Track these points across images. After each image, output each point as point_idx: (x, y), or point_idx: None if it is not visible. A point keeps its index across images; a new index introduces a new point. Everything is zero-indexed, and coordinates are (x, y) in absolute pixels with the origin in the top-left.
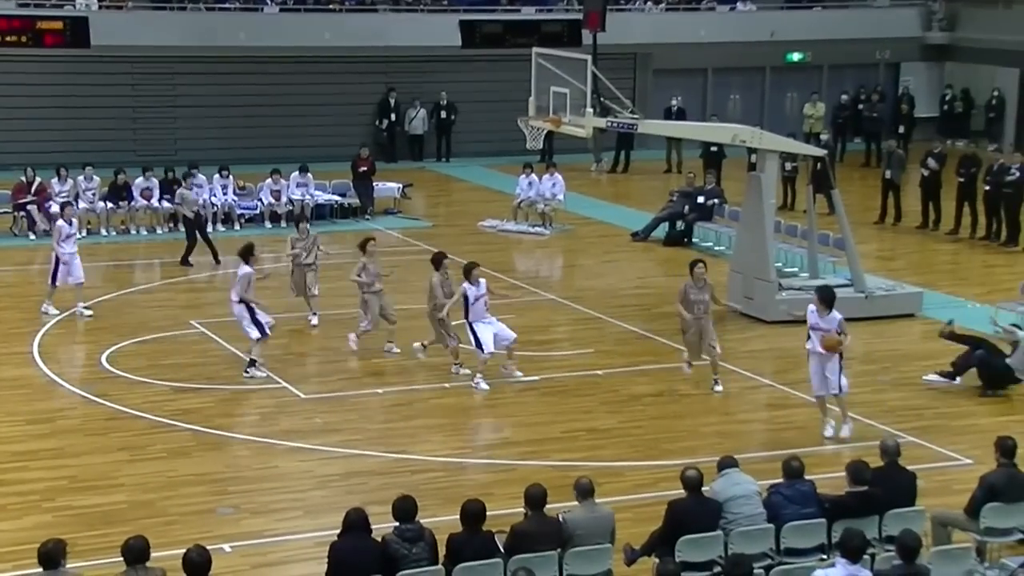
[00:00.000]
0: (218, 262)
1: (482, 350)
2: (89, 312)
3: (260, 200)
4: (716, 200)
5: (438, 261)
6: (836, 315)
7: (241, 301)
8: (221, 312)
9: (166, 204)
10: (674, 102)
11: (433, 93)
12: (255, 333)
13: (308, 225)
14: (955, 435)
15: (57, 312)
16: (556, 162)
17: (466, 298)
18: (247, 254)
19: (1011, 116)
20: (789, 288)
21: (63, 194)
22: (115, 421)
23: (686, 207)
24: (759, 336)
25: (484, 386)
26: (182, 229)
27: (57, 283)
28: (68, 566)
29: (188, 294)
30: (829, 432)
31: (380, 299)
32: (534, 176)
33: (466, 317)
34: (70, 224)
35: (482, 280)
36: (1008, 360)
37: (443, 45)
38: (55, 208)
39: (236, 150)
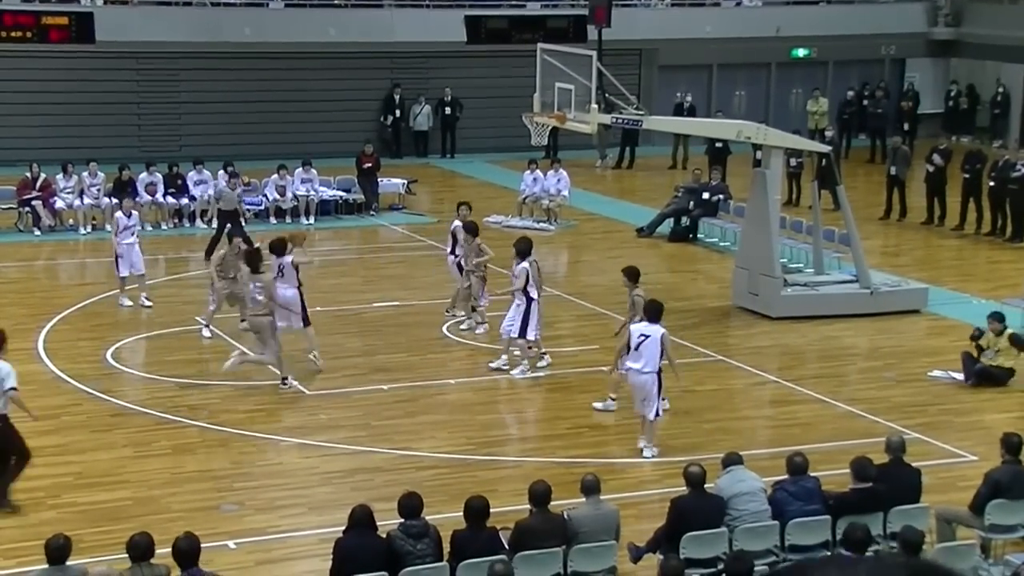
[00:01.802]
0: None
1: None
2: (150, 303)
3: (265, 196)
4: (721, 196)
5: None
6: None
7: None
8: (226, 308)
9: (170, 200)
10: (688, 98)
11: (438, 89)
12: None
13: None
14: (960, 432)
15: (131, 304)
16: (561, 158)
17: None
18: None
19: (1016, 112)
20: (794, 284)
21: (68, 190)
22: (120, 417)
23: (691, 203)
24: (764, 332)
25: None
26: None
27: (123, 273)
28: (72, 562)
29: (193, 290)
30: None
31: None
32: (539, 172)
33: None
34: (128, 216)
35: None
36: None
37: (448, 41)
38: (60, 204)
39: (241, 146)
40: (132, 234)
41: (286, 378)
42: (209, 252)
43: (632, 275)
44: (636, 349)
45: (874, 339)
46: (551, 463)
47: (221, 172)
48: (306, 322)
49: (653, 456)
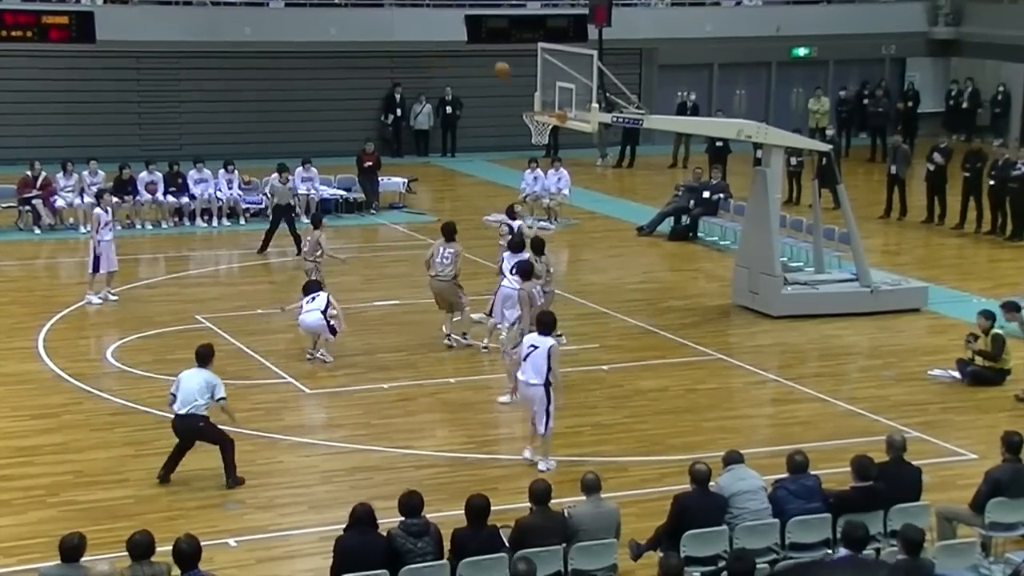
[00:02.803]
0: (299, 253)
1: None
2: (115, 297)
3: (265, 195)
4: (721, 195)
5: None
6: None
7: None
8: (226, 307)
9: (171, 199)
10: (692, 97)
11: (438, 88)
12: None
13: None
14: (960, 430)
15: (100, 301)
16: (561, 157)
17: None
18: (512, 214)
19: (1016, 111)
20: (794, 283)
21: (68, 188)
22: (120, 416)
23: (691, 202)
24: (764, 331)
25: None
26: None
27: (100, 271)
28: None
29: (193, 289)
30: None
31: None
32: (539, 171)
33: None
34: (107, 212)
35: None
36: None
37: (449, 40)
38: (60, 203)
39: (241, 145)
40: (110, 231)
41: (466, 333)
42: (264, 247)
43: (524, 274)
44: (525, 360)
45: (874, 338)
46: (551, 461)
47: (222, 171)
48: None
49: (549, 469)
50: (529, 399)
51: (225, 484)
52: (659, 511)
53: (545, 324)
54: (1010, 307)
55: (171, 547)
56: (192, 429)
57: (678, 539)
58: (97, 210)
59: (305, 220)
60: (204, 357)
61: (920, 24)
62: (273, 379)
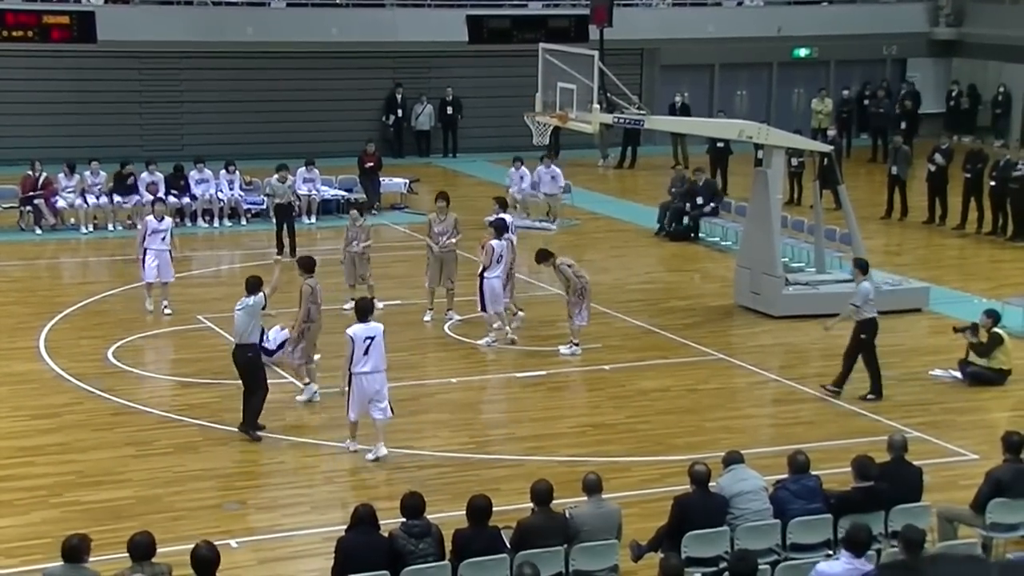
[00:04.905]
0: (293, 255)
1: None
2: (169, 312)
3: (267, 195)
4: (712, 203)
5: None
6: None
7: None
8: (227, 307)
9: (172, 199)
10: (678, 98)
11: (440, 89)
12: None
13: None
14: (962, 430)
15: (152, 310)
16: (553, 154)
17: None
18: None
19: (1017, 112)
20: (796, 283)
21: (69, 189)
22: (122, 416)
23: (688, 204)
24: (766, 331)
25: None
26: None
27: (148, 279)
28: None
29: (195, 289)
30: (371, 455)
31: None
32: (524, 168)
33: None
34: (160, 220)
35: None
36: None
37: (450, 40)
38: (62, 203)
39: (242, 145)
40: (163, 239)
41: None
42: (284, 248)
43: (306, 266)
44: (366, 354)
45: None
46: (553, 462)
47: (223, 172)
48: None
49: (383, 457)
50: (376, 390)
51: (241, 427)
52: (661, 511)
53: (366, 310)
54: (991, 314)
55: (172, 549)
56: (247, 360)
57: (679, 540)
58: (148, 217)
59: (307, 220)
60: (254, 286)
61: (921, 25)
62: (275, 379)
